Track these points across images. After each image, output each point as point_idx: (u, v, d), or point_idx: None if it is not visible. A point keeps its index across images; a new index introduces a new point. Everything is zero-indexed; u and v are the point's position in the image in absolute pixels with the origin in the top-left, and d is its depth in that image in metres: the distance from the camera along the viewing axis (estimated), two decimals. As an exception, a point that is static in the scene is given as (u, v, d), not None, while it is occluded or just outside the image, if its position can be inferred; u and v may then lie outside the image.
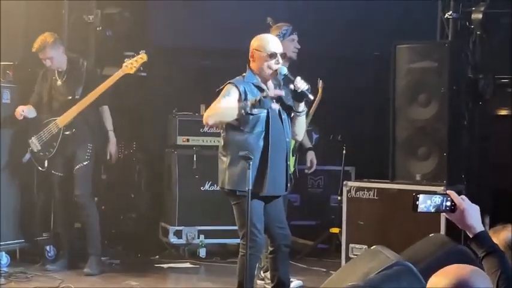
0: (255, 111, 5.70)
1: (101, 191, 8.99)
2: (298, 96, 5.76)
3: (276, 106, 5.67)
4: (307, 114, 6.23)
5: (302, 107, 5.92)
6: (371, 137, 9.30)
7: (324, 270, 7.83)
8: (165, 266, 8.15)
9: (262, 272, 6.94)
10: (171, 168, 8.67)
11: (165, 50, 9.60)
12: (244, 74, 5.89)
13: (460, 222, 3.10)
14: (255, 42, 5.90)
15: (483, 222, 3.15)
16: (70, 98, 7.42)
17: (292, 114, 5.95)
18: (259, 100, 5.56)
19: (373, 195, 7.35)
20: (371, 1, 9.40)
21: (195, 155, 8.59)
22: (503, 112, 8.17)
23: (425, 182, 7.24)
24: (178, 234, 8.50)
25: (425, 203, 3.09)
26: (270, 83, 5.91)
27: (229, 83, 5.83)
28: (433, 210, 3.11)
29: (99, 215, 8.81)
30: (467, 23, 7.88)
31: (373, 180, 7.59)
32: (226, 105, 5.69)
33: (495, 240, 3.34)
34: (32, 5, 8.24)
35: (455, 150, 7.45)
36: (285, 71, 5.78)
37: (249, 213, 5.49)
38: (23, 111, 7.48)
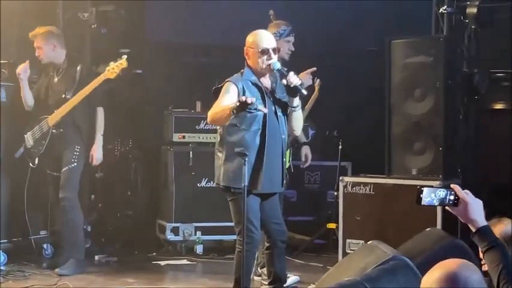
0: (252, 108, 5.73)
1: (97, 189, 9.00)
2: (292, 91, 5.78)
3: (264, 110, 5.66)
4: (302, 111, 6.23)
5: (296, 101, 5.92)
6: (367, 132, 9.30)
7: (321, 265, 7.83)
8: (162, 263, 8.15)
9: (259, 268, 6.95)
10: (168, 165, 8.67)
11: (160, 47, 9.61)
12: (242, 70, 5.90)
13: (463, 216, 3.11)
14: (248, 39, 5.92)
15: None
16: (63, 96, 7.39)
17: (289, 111, 5.96)
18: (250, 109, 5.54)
19: (370, 190, 7.36)
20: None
21: (191, 152, 8.60)
22: (499, 106, 8.17)
23: (421, 176, 7.25)
24: (175, 231, 8.51)
25: (430, 197, 3.10)
26: (267, 80, 5.92)
27: (227, 81, 5.84)
28: (436, 204, 3.13)
29: (96, 213, 8.86)
30: (462, 18, 7.88)
31: (369, 175, 7.59)
32: (227, 103, 5.69)
33: (492, 232, 3.35)
34: (27, 3, 8.23)
35: (451, 145, 7.46)
36: (277, 66, 5.80)
37: (245, 209, 5.50)
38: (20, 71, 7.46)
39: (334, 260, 7.20)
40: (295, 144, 7.29)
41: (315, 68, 6.93)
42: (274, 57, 5.83)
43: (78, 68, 7.46)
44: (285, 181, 6.04)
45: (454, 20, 7.98)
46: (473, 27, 7.86)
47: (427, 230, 5.41)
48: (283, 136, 5.91)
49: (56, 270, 7.30)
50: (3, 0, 8.00)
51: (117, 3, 8.96)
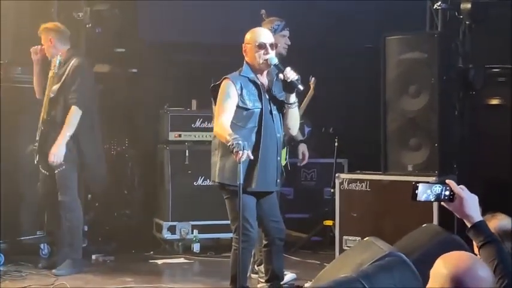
0: (249, 105, 5.74)
1: (93, 188, 8.99)
2: (288, 86, 5.79)
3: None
4: (298, 108, 6.24)
5: (293, 98, 5.94)
6: (363, 129, 9.31)
7: (318, 262, 7.85)
8: (160, 261, 8.16)
9: (256, 265, 6.95)
10: (164, 164, 8.67)
11: (155, 46, 9.60)
12: (241, 68, 5.91)
13: (459, 212, 3.11)
14: (246, 36, 5.95)
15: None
16: (51, 95, 7.36)
17: (285, 109, 5.96)
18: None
19: (366, 187, 7.36)
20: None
21: (187, 151, 8.60)
22: (494, 102, 8.17)
23: (417, 172, 7.25)
24: (172, 229, 8.52)
25: (425, 192, 3.10)
26: (265, 78, 5.92)
27: (225, 78, 5.84)
28: (432, 200, 3.12)
29: (93, 212, 8.85)
30: (456, 13, 7.88)
31: (365, 172, 7.60)
32: (230, 112, 5.71)
33: (487, 227, 3.36)
34: (22, 3, 8.22)
35: (447, 141, 7.46)
36: (275, 60, 5.82)
37: (241, 207, 5.50)
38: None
39: (331, 257, 7.19)
40: (291, 142, 7.29)
41: None
42: (272, 53, 5.85)
43: (72, 61, 7.37)
44: (279, 180, 6.03)
45: (448, 16, 7.97)
46: (467, 22, 7.86)
47: (423, 226, 5.40)
48: (279, 135, 5.92)
49: (53, 270, 7.30)
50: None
51: (111, 2, 8.96)
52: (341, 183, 7.49)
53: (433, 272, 2.69)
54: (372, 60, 8.01)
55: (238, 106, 5.77)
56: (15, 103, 7.71)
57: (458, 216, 3.13)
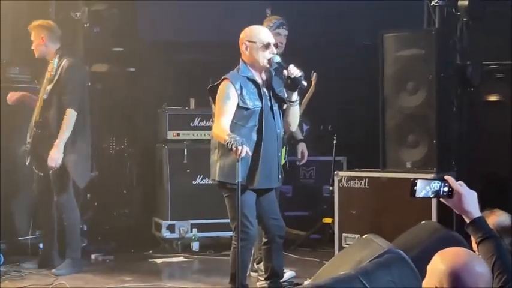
0: (250, 105, 5.74)
1: (92, 188, 8.99)
2: (292, 83, 5.79)
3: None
4: (299, 105, 6.25)
5: (295, 96, 5.95)
6: (361, 126, 9.31)
7: (317, 260, 7.84)
8: (159, 260, 8.16)
9: (255, 263, 6.96)
10: (163, 163, 8.67)
11: (153, 45, 9.60)
12: (238, 67, 5.90)
13: (458, 208, 3.11)
14: (248, 34, 5.92)
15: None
16: (44, 96, 7.35)
17: (285, 106, 5.97)
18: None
19: (364, 184, 7.36)
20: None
21: (185, 149, 8.60)
22: (493, 98, 8.17)
23: (416, 169, 7.25)
24: (171, 228, 8.52)
25: (424, 189, 3.09)
26: (263, 74, 5.93)
27: (224, 78, 5.83)
28: (431, 196, 3.12)
29: (92, 211, 8.85)
30: (453, 10, 7.87)
31: (363, 169, 7.60)
32: (230, 114, 5.71)
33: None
34: (19, 3, 8.22)
35: (445, 137, 7.46)
36: (278, 59, 5.83)
37: (241, 205, 5.51)
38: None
39: (330, 255, 7.19)
40: (291, 141, 7.29)
41: None
42: (275, 51, 5.86)
43: (63, 62, 7.33)
44: (280, 177, 6.04)
45: (446, 13, 7.97)
46: (465, 19, 7.85)
47: (422, 222, 5.41)
48: (279, 130, 5.93)
49: (53, 270, 7.30)
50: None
51: (109, 2, 8.98)
52: (340, 181, 7.50)
53: (430, 268, 2.70)
54: (369, 57, 8.01)
55: (238, 106, 5.77)
56: (14, 105, 7.70)
57: (457, 212, 3.13)
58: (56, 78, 7.27)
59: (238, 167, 5.43)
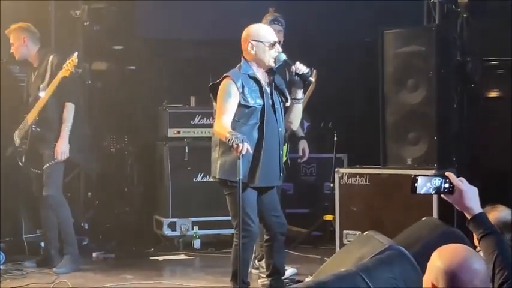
0: (251, 102, 5.74)
1: (93, 186, 9.00)
2: (299, 80, 5.79)
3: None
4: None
5: (300, 94, 5.95)
6: (362, 123, 9.31)
7: (319, 257, 7.84)
8: (160, 258, 8.16)
9: (256, 261, 6.96)
10: (163, 161, 8.67)
11: (153, 42, 9.60)
12: (239, 64, 5.89)
13: (459, 204, 3.11)
14: (253, 33, 5.89)
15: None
16: (39, 94, 7.35)
17: (289, 103, 5.96)
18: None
19: (365, 181, 7.36)
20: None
21: (186, 147, 8.60)
22: (493, 94, 8.17)
23: (417, 166, 7.26)
24: (172, 226, 8.52)
25: (425, 185, 3.09)
26: (265, 73, 5.92)
27: (226, 76, 5.82)
28: (432, 192, 3.12)
29: (93, 210, 8.85)
30: (453, 6, 7.87)
31: (364, 166, 7.60)
32: (231, 112, 5.71)
33: (487, 219, 3.36)
34: (19, 3, 8.22)
35: (445, 134, 7.47)
36: (283, 57, 5.83)
37: (242, 203, 5.50)
38: None
39: (332, 252, 7.20)
40: (292, 138, 7.28)
41: None
42: (280, 50, 5.86)
43: (50, 58, 7.31)
44: (282, 174, 6.04)
45: (446, 9, 7.97)
46: (465, 15, 7.85)
47: (423, 219, 5.41)
48: (280, 129, 5.92)
49: (54, 269, 7.30)
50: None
51: (109, 1, 8.96)
52: (340, 178, 7.50)
53: (429, 264, 2.70)
54: (370, 54, 8.01)
55: (240, 104, 5.75)
56: (14, 101, 7.70)
57: (458, 208, 3.13)
58: (48, 75, 7.28)
59: (239, 164, 5.43)
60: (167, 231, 8.52)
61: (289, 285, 6.66)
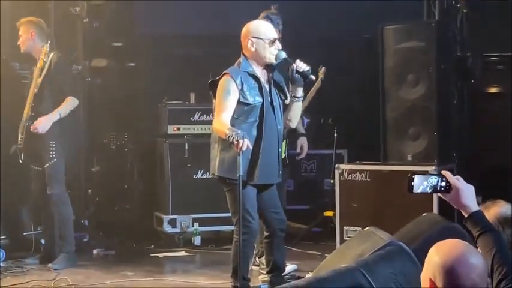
0: (250, 100, 5.73)
1: (94, 183, 9.00)
2: (299, 77, 5.78)
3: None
4: (303, 100, 6.25)
5: (300, 92, 5.94)
6: (362, 119, 9.30)
7: (319, 253, 7.84)
8: (161, 255, 8.16)
9: (257, 257, 6.95)
10: (163, 158, 8.67)
11: (152, 39, 9.60)
12: (239, 60, 5.88)
13: (455, 202, 3.12)
14: (253, 30, 5.87)
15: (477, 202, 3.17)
16: (35, 91, 7.34)
17: (288, 100, 5.96)
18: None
19: (366, 177, 7.35)
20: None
21: (186, 144, 8.59)
22: (493, 90, 8.17)
23: (417, 162, 7.26)
24: (172, 223, 8.51)
25: (422, 184, 3.10)
26: (264, 70, 5.91)
27: (225, 73, 5.81)
28: (429, 191, 3.13)
29: (94, 206, 8.85)
30: (453, 2, 7.87)
31: (364, 162, 7.59)
32: (230, 110, 5.69)
33: (486, 215, 3.36)
34: (19, -1, 8.24)
35: (446, 129, 7.47)
36: (283, 55, 5.82)
37: (242, 199, 5.50)
38: None
39: (332, 248, 7.18)
40: (291, 135, 7.26)
41: None
42: (280, 47, 5.84)
43: (51, 56, 7.29)
44: (281, 172, 6.03)
45: (445, 5, 7.97)
46: (465, 11, 7.85)
47: (423, 215, 5.40)
48: (279, 126, 5.91)
49: (49, 265, 7.31)
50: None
51: (107, -3, 8.98)
52: (341, 174, 7.49)
53: (426, 260, 2.71)
54: (370, 50, 8.00)
55: (239, 101, 5.74)
56: (14, 98, 7.69)
57: (455, 206, 3.14)
58: (45, 72, 7.27)
59: (239, 160, 5.42)
60: (167, 228, 8.52)
61: (290, 281, 6.66)
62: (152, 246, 8.52)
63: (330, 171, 8.31)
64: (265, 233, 6.06)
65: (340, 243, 7.27)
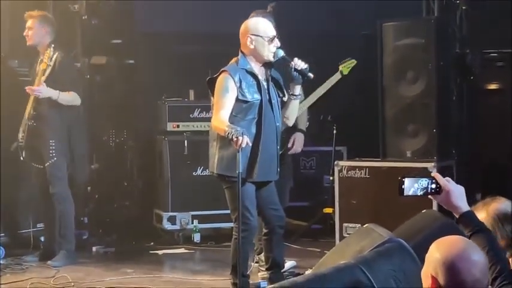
0: (249, 97, 5.72)
1: (93, 180, 9.00)
2: (298, 75, 5.78)
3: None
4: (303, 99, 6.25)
5: (299, 89, 5.94)
6: (361, 115, 9.30)
7: (319, 250, 7.84)
8: (160, 252, 8.17)
9: (256, 254, 6.96)
10: (163, 155, 8.67)
11: (152, 36, 9.59)
12: (236, 58, 5.87)
13: (446, 203, 3.16)
14: (252, 27, 5.87)
15: (475, 199, 3.19)
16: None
17: (286, 98, 5.95)
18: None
19: (365, 174, 7.36)
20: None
21: (185, 141, 8.59)
22: (493, 86, 8.16)
23: (416, 158, 7.26)
24: (172, 220, 8.51)
25: (412, 187, 3.13)
26: (262, 68, 5.90)
27: (223, 71, 5.81)
28: (420, 194, 3.15)
29: (93, 204, 8.85)
30: (452, -2, 7.88)
31: (364, 159, 7.60)
32: (229, 107, 5.68)
33: (485, 212, 3.39)
34: (18, -4, 8.23)
35: (445, 126, 7.46)
36: (281, 53, 5.81)
37: (241, 196, 5.50)
38: None
39: (332, 245, 7.18)
40: (290, 130, 7.21)
41: None
42: (278, 44, 5.84)
43: (56, 55, 7.27)
44: (279, 169, 6.03)
45: (445, 1, 7.97)
46: (464, 7, 7.85)
47: (422, 211, 5.39)
48: (278, 124, 5.91)
49: (48, 262, 7.31)
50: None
51: (107, -7, 8.97)
52: (340, 171, 7.49)
53: (427, 256, 2.71)
54: (368, 46, 8.00)
55: (237, 99, 5.74)
56: (14, 96, 7.69)
57: (446, 208, 3.17)
58: (49, 70, 7.25)
59: (238, 157, 5.42)
60: (167, 225, 8.52)
61: (289, 278, 6.66)
62: (152, 243, 8.52)
63: (330, 168, 8.32)
64: (264, 230, 6.07)
65: (340, 240, 7.28)
